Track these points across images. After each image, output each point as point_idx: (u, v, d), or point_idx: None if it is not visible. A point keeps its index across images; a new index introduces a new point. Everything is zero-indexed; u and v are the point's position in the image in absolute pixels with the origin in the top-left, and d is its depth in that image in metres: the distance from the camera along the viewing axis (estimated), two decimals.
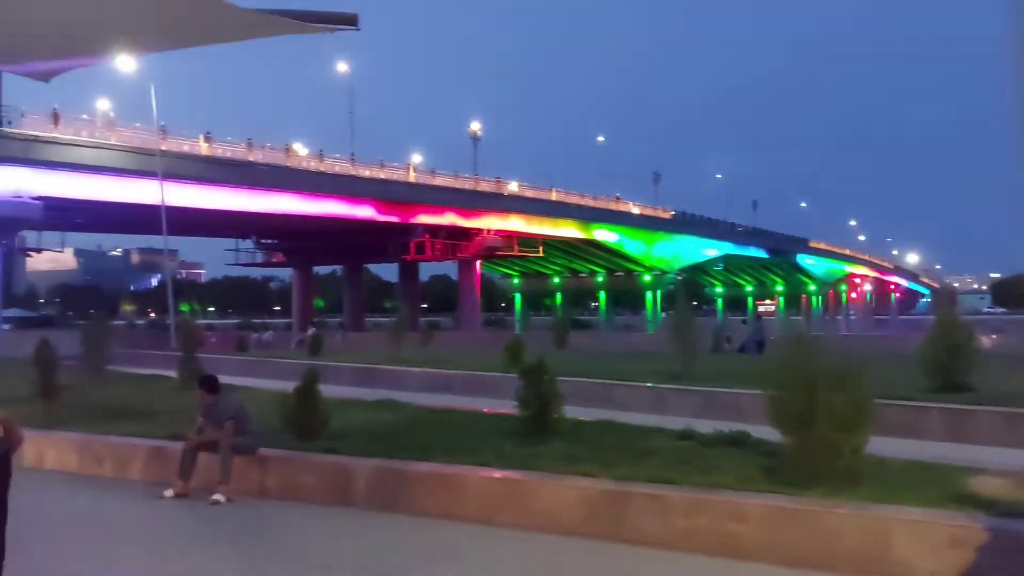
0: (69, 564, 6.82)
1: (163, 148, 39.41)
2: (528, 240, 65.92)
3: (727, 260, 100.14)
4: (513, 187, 64.71)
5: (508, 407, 13.34)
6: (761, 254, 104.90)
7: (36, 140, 36.31)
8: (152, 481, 9.35)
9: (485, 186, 61.57)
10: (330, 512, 8.30)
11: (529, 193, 65.74)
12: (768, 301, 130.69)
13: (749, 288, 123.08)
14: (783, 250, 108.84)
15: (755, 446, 8.57)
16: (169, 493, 8.70)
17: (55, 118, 37.80)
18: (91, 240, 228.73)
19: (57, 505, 8.49)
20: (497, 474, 7.86)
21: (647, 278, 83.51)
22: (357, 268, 67.85)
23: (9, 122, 36.14)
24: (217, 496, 8.51)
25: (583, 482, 7.38)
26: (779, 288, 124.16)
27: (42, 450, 10.04)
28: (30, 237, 42.50)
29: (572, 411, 10.19)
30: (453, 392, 18.39)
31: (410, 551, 7.13)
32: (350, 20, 6.24)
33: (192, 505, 8.52)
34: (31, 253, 42.98)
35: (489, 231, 61.54)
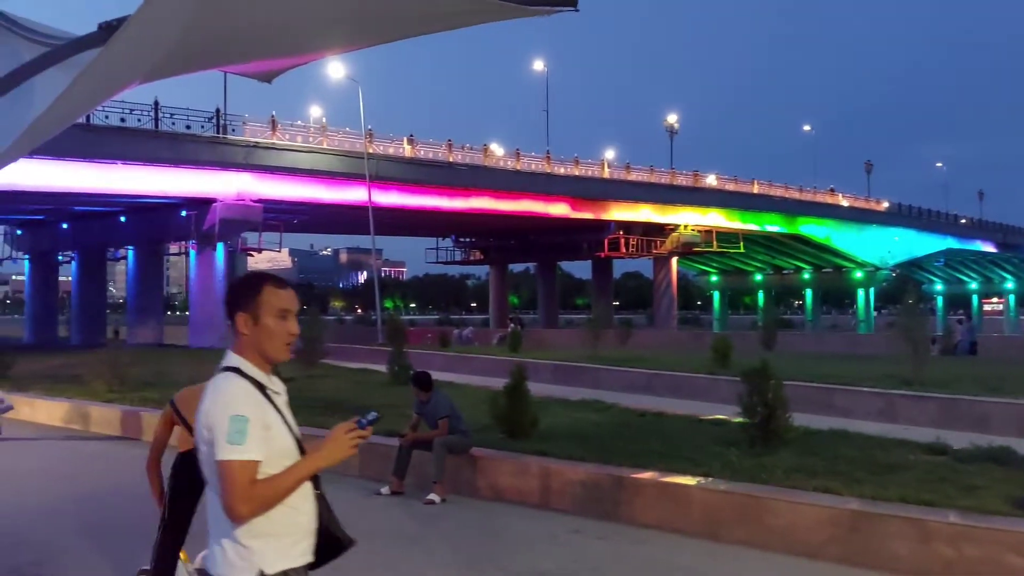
0: None
1: (370, 151, 41.09)
2: (727, 235, 63.70)
3: (948, 255, 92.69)
4: (711, 180, 62.75)
5: (718, 411, 12.70)
6: (988, 248, 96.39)
7: (256, 146, 38.74)
8: (369, 477, 9.41)
9: (682, 180, 60.07)
10: (543, 515, 8.00)
11: (729, 186, 63.48)
12: (996, 299, 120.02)
13: (973, 285, 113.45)
14: (1014, 244, 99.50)
15: (1022, 464, 7.48)
16: (385, 490, 8.70)
17: (273, 125, 40.22)
18: (304, 240, 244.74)
19: None
20: (724, 486, 7.25)
21: (858, 275, 78.67)
22: (550, 265, 68.25)
23: (232, 130, 38.78)
24: (432, 496, 8.41)
25: (826, 500, 6.64)
26: (1008, 285, 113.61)
27: None
28: (251, 238, 45.48)
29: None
30: (655, 393, 17.78)
31: (629, 563, 6.67)
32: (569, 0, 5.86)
33: (408, 503, 8.47)
34: (252, 253, 45.91)
35: (686, 226, 60.01)
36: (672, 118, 70.05)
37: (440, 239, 66.48)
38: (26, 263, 50.62)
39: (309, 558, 2.72)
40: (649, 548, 6.97)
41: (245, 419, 2.54)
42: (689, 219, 60.02)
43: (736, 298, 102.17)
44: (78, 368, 19.06)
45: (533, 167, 51.63)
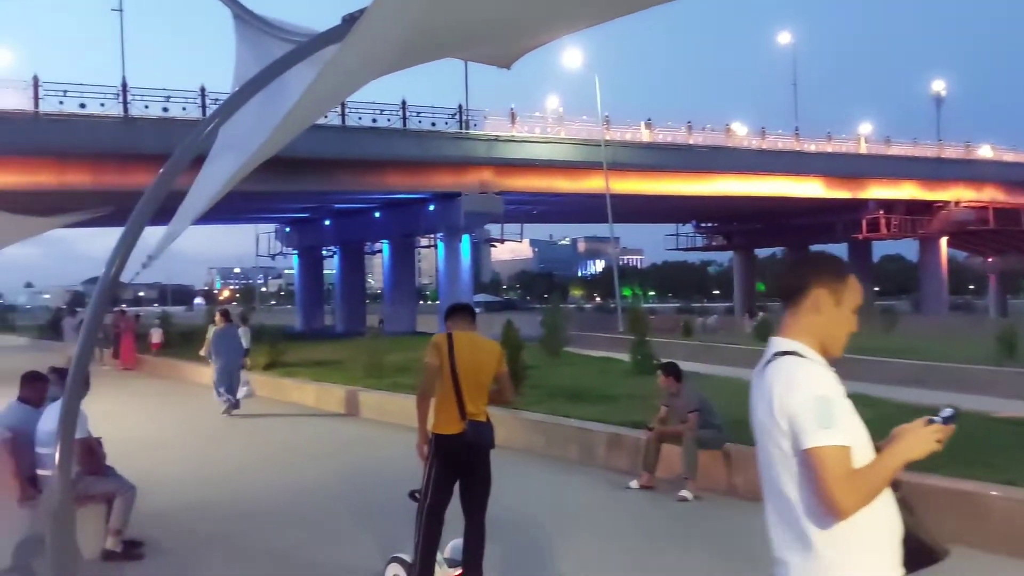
0: (541, 551, 6.63)
1: (607, 138, 40.84)
2: (1007, 212, 57.37)
3: None
4: (986, 152, 56.77)
5: (1010, 407, 11.19)
6: None
7: (496, 140, 39.69)
8: (616, 469, 9.08)
9: (951, 152, 54.79)
10: None
11: (1008, 157, 57.20)
12: None
13: None
14: None
15: None
16: (634, 484, 8.33)
17: (512, 117, 41.04)
18: (543, 230, 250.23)
19: (526, 487, 8.53)
20: None
21: None
22: (801, 249, 64.88)
23: (474, 124, 39.99)
24: (684, 492, 7.93)
25: None
26: None
27: (512, 429, 10.31)
28: (493, 229, 46.75)
29: None
30: (928, 386, 16.11)
31: None
32: None
33: (658, 499, 8.04)
34: (495, 244, 47.32)
35: (957, 203, 54.69)
36: (938, 84, 64.16)
37: (680, 225, 65.11)
38: (295, 258, 55.25)
39: (900, 571, 2.38)
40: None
41: (831, 400, 2.28)
42: (961, 195, 54.69)
43: (1014, 281, 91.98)
44: (341, 354, 20.27)
45: (780, 145, 49.12)
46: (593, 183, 40.77)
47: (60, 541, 4.93)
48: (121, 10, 37.26)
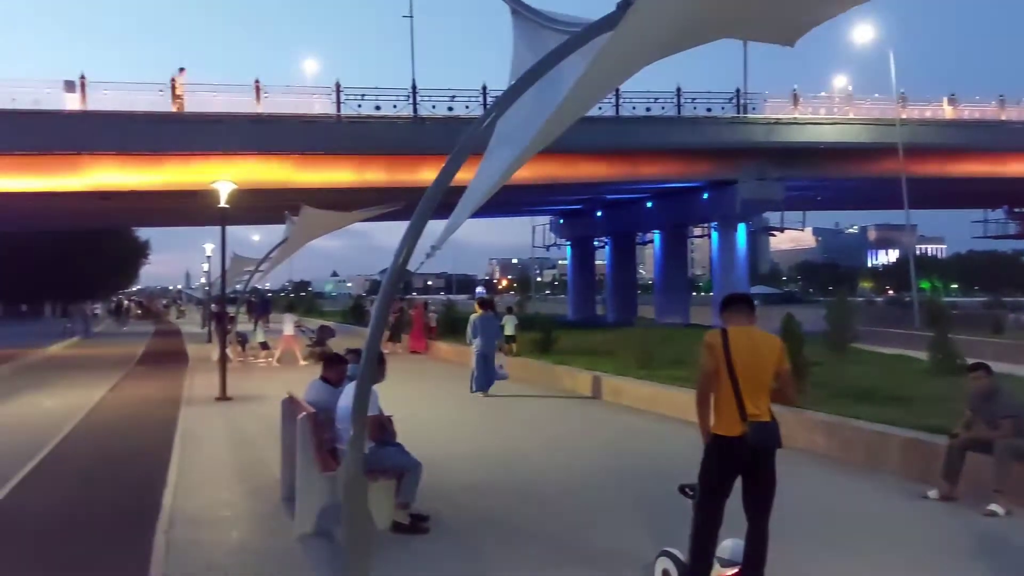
0: (828, 559, 6.18)
1: (903, 117, 37.72)
2: None
3: None
4: None
5: None
6: None
7: (777, 123, 37.98)
8: (909, 477, 8.32)
9: None
10: None
11: None
12: None
13: None
14: None
15: None
16: (933, 494, 7.57)
17: (794, 99, 39.09)
18: (828, 218, 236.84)
19: (810, 489, 8.03)
20: None
21: None
22: None
23: (752, 108, 38.55)
24: (994, 507, 7.09)
25: None
26: None
27: (792, 428, 9.76)
28: (772, 217, 44.92)
29: None
30: None
31: None
32: None
33: (961, 513, 7.24)
34: (774, 233, 45.43)
35: None
36: None
37: (988, 211, 58.77)
38: (568, 248, 56.49)
39: None
40: None
41: None
42: None
43: None
44: (612, 344, 20.38)
45: None
46: (885, 166, 37.89)
47: (354, 510, 5.31)
48: (411, 16, 39.94)
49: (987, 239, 63.09)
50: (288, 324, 25.16)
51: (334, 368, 7.95)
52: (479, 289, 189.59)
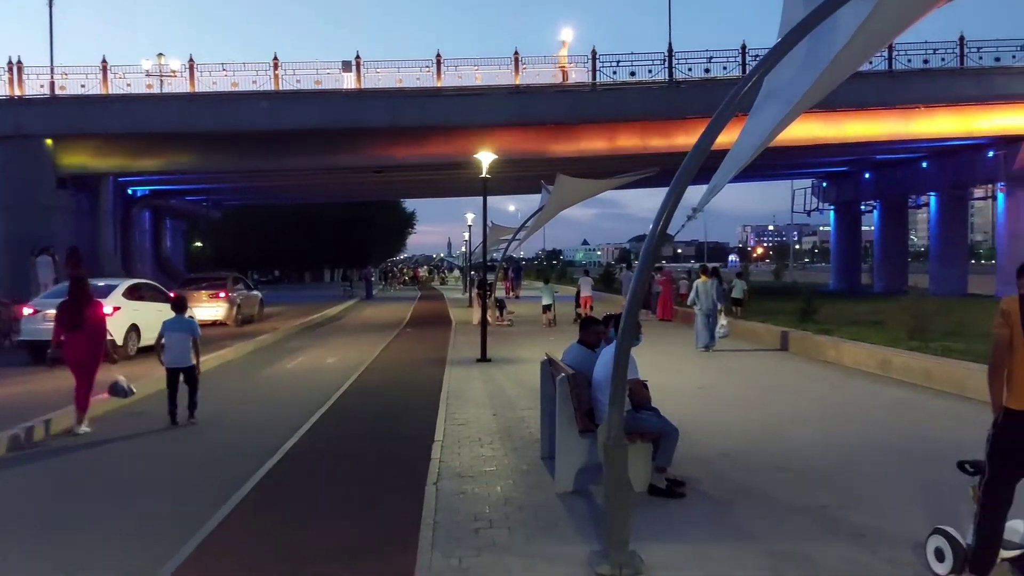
0: None
1: None
2: None
3: None
4: None
5: None
6: None
7: None
8: None
9: None
10: None
11: None
12: None
13: None
14: None
15: None
16: None
17: None
18: None
19: None
20: None
21: None
22: None
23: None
24: None
25: None
26: None
27: None
28: None
29: None
30: None
31: None
32: None
33: None
34: None
35: None
36: None
37: None
38: (831, 214, 53.43)
39: None
40: None
41: None
42: None
43: None
44: (880, 315, 19.16)
45: None
46: None
47: (614, 471, 5.44)
48: None
49: None
50: (585, 286, 27.52)
51: (591, 330, 8.11)
52: (732, 257, 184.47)
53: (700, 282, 19.02)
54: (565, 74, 34.02)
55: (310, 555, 6.01)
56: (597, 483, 6.84)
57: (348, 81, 33.28)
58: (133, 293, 18.20)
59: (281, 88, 32.55)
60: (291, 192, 51.53)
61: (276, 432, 10.25)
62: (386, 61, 35.50)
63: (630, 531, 5.42)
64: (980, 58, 33.87)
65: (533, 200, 26.21)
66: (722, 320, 18.97)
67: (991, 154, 36.69)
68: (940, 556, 5.05)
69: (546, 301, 26.58)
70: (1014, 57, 34.00)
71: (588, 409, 7.22)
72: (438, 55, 32.97)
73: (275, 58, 32.53)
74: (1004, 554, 4.88)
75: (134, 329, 17.58)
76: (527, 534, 6.04)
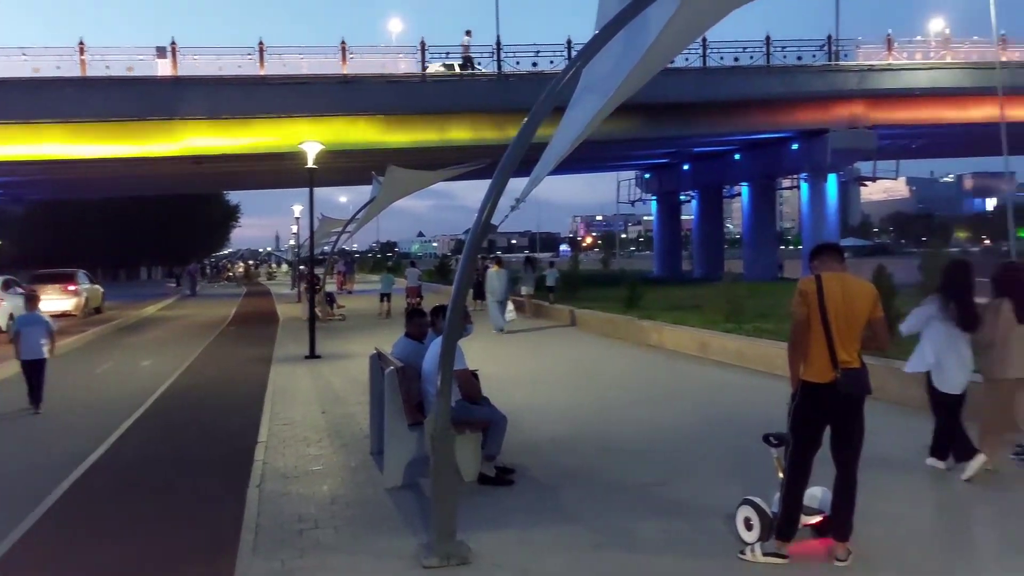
0: (925, 510, 6.07)
1: (1003, 59, 35.73)
2: None
3: None
4: None
5: None
6: None
7: (870, 70, 36.51)
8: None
9: None
10: None
11: None
12: None
13: None
14: None
15: None
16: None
17: (888, 44, 37.44)
18: (923, 167, 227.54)
19: (903, 441, 7.83)
20: None
21: None
22: None
23: (844, 55, 37.10)
24: None
25: None
26: None
27: (883, 380, 9.49)
28: (864, 167, 43.35)
29: None
30: None
31: None
32: None
33: None
34: (865, 183, 43.86)
35: None
36: None
37: None
38: (653, 204, 55.75)
39: None
40: None
41: None
42: None
43: None
44: (699, 299, 20.15)
45: None
46: (984, 111, 36.09)
47: (441, 462, 5.43)
48: None
49: None
50: (411, 277, 27.36)
51: (415, 322, 8.08)
52: (563, 247, 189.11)
53: (493, 271, 20.54)
54: (394, 65, 33.76)
55: (123, 568, 5.67)
56: (427, 476, 6.81)
57: (164, 68, 31.61)
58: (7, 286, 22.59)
59: (89, 75, 30.50)
60: (103, 185, 48.45)
61: (84, 440, 9.61)
62: (206, 48, 33.88)
63: (457, 521, 5.43)
64: (784, 57, 36.23)
65: (365, 191, 25.89)
66: (509, 306, 20.30)
67: (795, 147, 39.35)
68: (749, 525, 5.34)
69: (384, 290, 26.52)
70: (814, 56, 36.61)
71: (418, 402, 7.18)
72: (260, 43, 31.87)
73: (81, 42, 30.45)
74: (805, 520, 5.23)
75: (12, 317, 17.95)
76: (354, 532, 5.94)
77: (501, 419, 7.16)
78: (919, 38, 40.52)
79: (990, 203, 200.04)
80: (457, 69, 33.78)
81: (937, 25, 43.88)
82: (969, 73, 36.88)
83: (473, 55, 34.06)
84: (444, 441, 5.40)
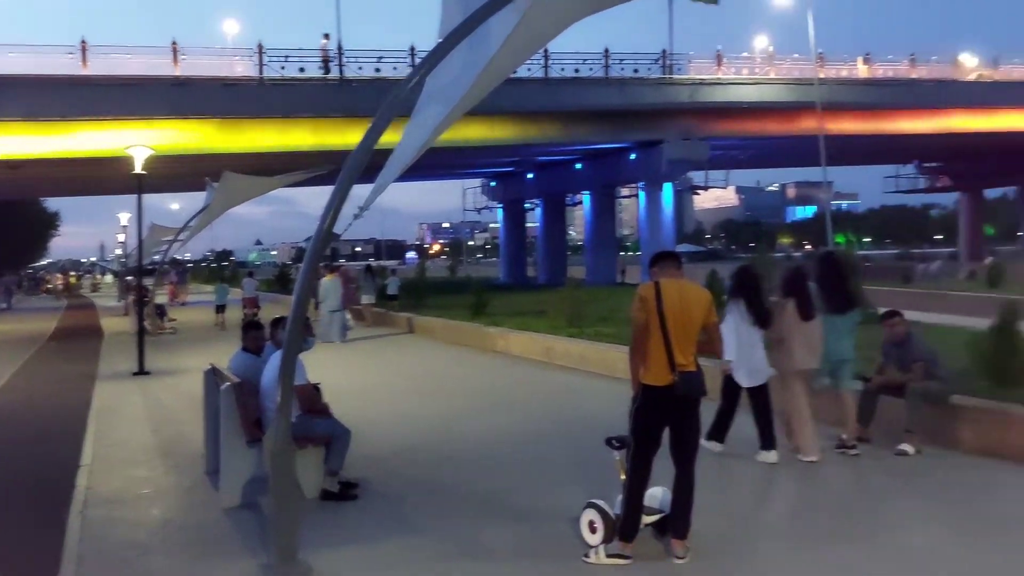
0: (749, 501, 6.38)
1: (821, 76, 38.39)
2: None
3: None
4: None
5: None
6: None
7: (701, 84, 38.35)
8: (824, 421, 8.53)
9: None
10: None
11: None
12: None
13: None
14: None
15: None
16: (845, 436, 7.80)
17: (718, 60, 39.51)
18: (750, 177, 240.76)
19: (734, 439, 8.20)
20: None
21: None
22: None
23: (678, 69, 38.82)
24: (904, 446, 7.49)
25: None
26: None
27: (717, 381, 9.91)
28: (697, 177, 45.49)
29: None
30: None
31: None
32: None
33: (874, 453, 7.55)
34: (698, 192, 46.07)
35: None
36: None
37: (900, 166, 60.61)
38: (499, 211, 56.39)
39: None
40: None
41: None
42: None
43: None
44: (543, 305, 20.48)
45: (1015, 75, 44.46)
46: (805, 124, 38.65)
47: (282, 479, 5.23)
48: None
49: (898, 194, 65.15)
50: (248, 287, 26.48)
51: (251, 336, 7.80)
52: (410, 254, 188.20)
53: (326, 280, 19.56)
54: (230, 67, 32.59)
55: None
56: (266, 494, 6.56)
57: None
58: None
59: None
60: None
61: None
62: (22, 45, 31.64)
63: (299, 540, 5.25)
64: (622, 69, 37.48)
65: (199, 198, 24.82)
66: (347, 315, 19.99)
67: (633, 157, 40.78)
68: (592, 528, 5.43)
69: (219, 302, 25.48)
70: (650, 70, 38.06)
71: (256, 418, 6.91)
72: (83, 41, 30.06)
73: None
74: (646, 519, 5.37)
75: None
76: (189, 556, 5.63)
77: (344, 433, 6.99)
78: (745, 54, 42.98)
79: (811, 211, 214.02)
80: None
81: (762, 42, 46.64)
82: (792, 88, 39.37)
83: (328, 58, 33.36)
84: (283, 457, 5.21)
